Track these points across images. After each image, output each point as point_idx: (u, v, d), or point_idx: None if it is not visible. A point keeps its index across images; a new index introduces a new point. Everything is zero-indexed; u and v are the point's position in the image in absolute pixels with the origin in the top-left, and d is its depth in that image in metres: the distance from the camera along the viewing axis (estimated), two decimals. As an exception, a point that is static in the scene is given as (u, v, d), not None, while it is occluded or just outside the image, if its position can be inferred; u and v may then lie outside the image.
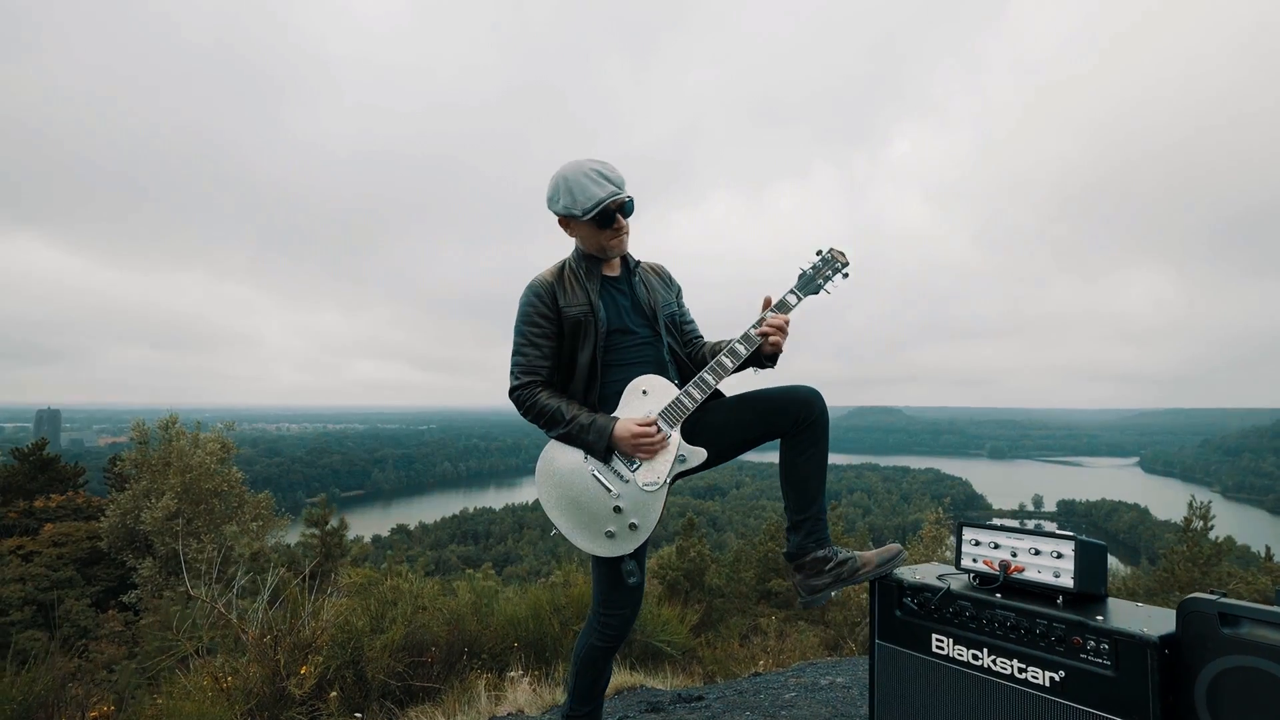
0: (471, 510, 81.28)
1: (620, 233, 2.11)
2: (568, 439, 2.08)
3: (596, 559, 2.10)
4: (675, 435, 2.04)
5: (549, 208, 2.12)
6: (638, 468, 2.04)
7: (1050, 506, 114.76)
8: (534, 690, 4.32)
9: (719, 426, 2.11)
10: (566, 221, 2.12)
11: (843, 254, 2.15)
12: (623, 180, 2.05)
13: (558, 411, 2.06)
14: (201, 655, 4.25)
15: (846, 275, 2.16)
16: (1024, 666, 1.66)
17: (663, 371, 2.17)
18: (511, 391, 2.11)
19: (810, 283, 2.14)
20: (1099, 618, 1.57)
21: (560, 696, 4.13)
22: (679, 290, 2.42)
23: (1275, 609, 1.35)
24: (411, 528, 67.42)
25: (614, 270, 2.24)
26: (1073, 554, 1.71)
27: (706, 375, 2.07)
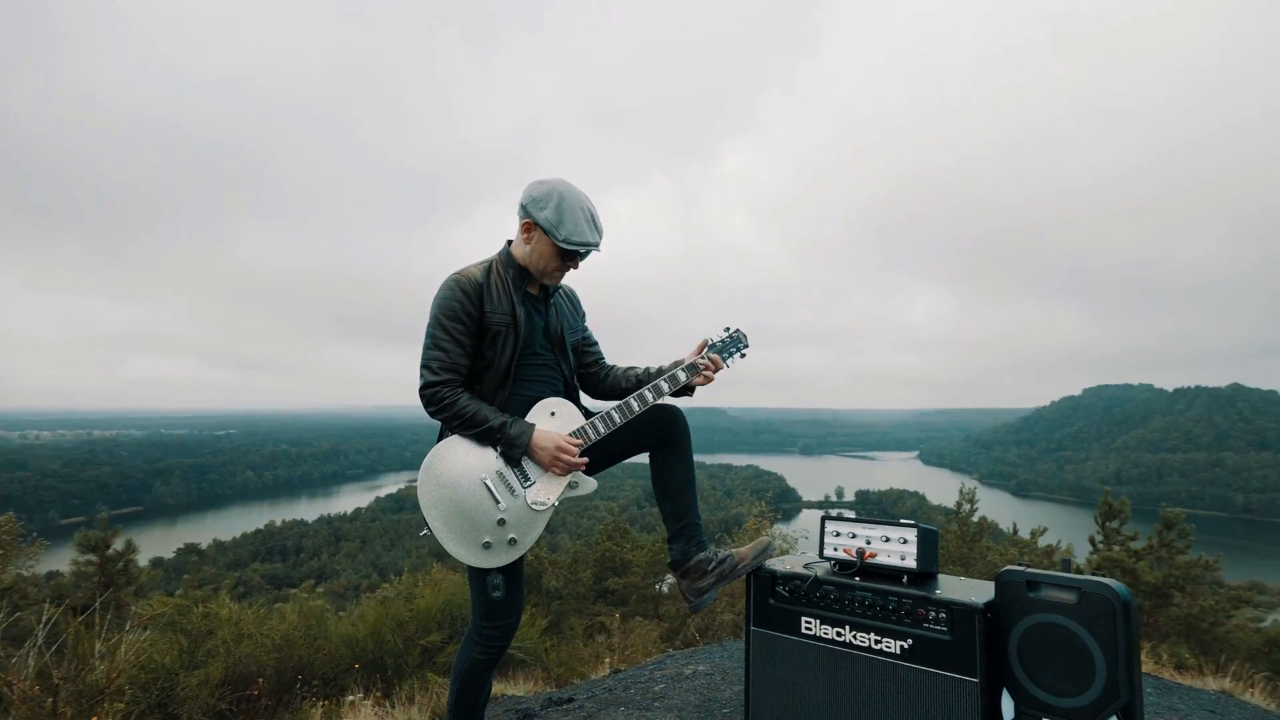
0: (279, 524, 73.31)
1: (567, 271, 2.17)
2: (485, 435, 2.03)
3: (474, 572, 2.08)
4: None
5: (528, 206, 2.07)
6: (531, 485, 2.06)
7: (850, 497, 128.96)
8: (377, 713, 4.08)
9: (594, 445, 2.22)
10: (531, 228, 2.09)
11: (746, 335, 2.38)
12: (603, 234, 2.12)
13: (479, 413, 2.02)
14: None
15: (744, 356, 2.38)
16: (879, 638, 1.92)
17: (567, 396, 2.24)
18: (427, 387, 2.02)
19: (718, 354, 2.32)
20: (938, 591, 1.86)
21: (416, 714, 3.94)
22: (584, 315, 2.46)
23: (1064, 574, 1.71)
24: (204, 546, 59.39)
25: (534, 288, 2.24)
26: (915, 539, 2.01)
27: (614, 414, 2.15)
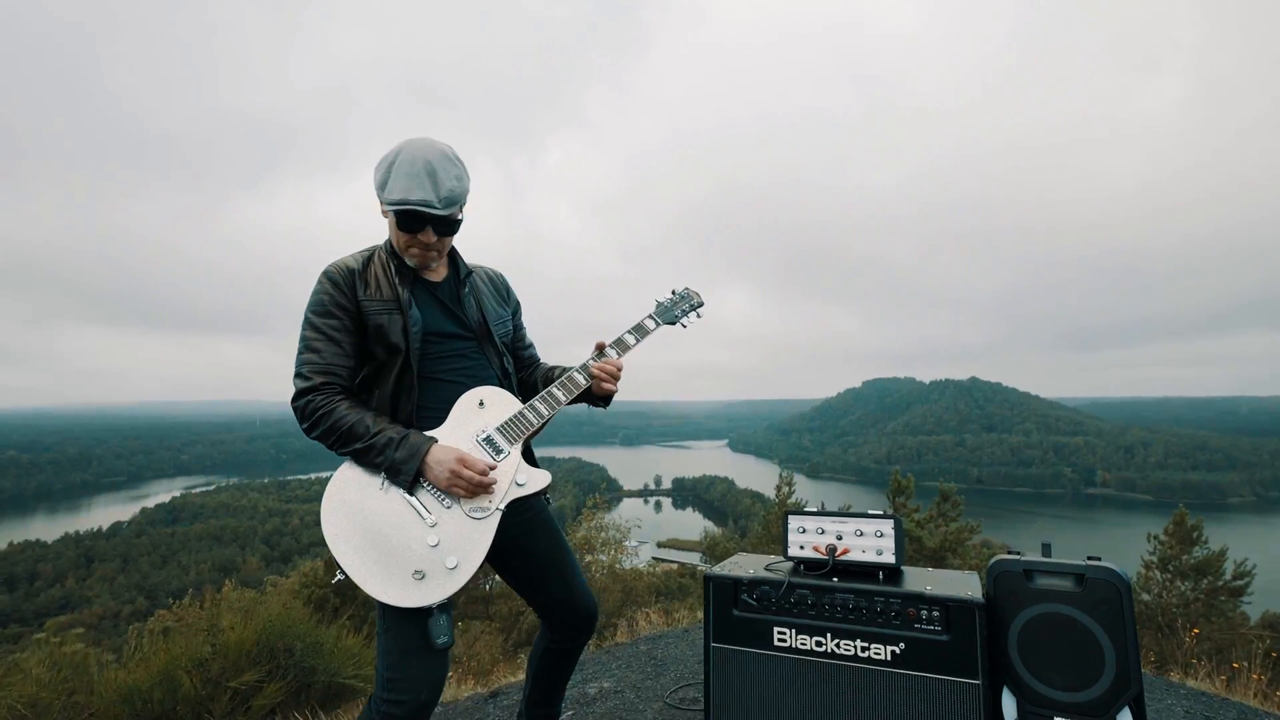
0: (6, 546, 59.69)
1: (424, 246, 1.70)
2: (367, 455, 1.55)
3: (389, 613, 1.53)
4: (515, 454, 1.68)
5: (373, 174, 1.68)
6: None
7: (667, 484, 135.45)
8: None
9: (531, 554, 1.85)
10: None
11: (697, 293, 2.18)
12: (454, 192, 1.64)
13: (360, 423, 1.55)
14: None
15: (700, 315, 2.18)
16: (866, 644, 1.73)
17: (499, 384, 1.80)
18: (299, 396, 1.60)
19: (668, 312, 2.10)
20: (928, 587, 1.72)
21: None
22: (517, 307, 2.06)
23: (1062, 561, 1.64)
24: (-114, 585, 46.70)
25: (438, 275, 1.82)
26: (892, 531, 1.86)
27: (556, 391, 1.80)
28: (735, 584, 1.91)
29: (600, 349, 1.91)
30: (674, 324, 2.10)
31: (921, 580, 1.81)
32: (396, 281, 1.70)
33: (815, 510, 1.99)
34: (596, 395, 1.90)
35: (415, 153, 1.61)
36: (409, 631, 1.51)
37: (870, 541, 1.88)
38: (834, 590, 1.80)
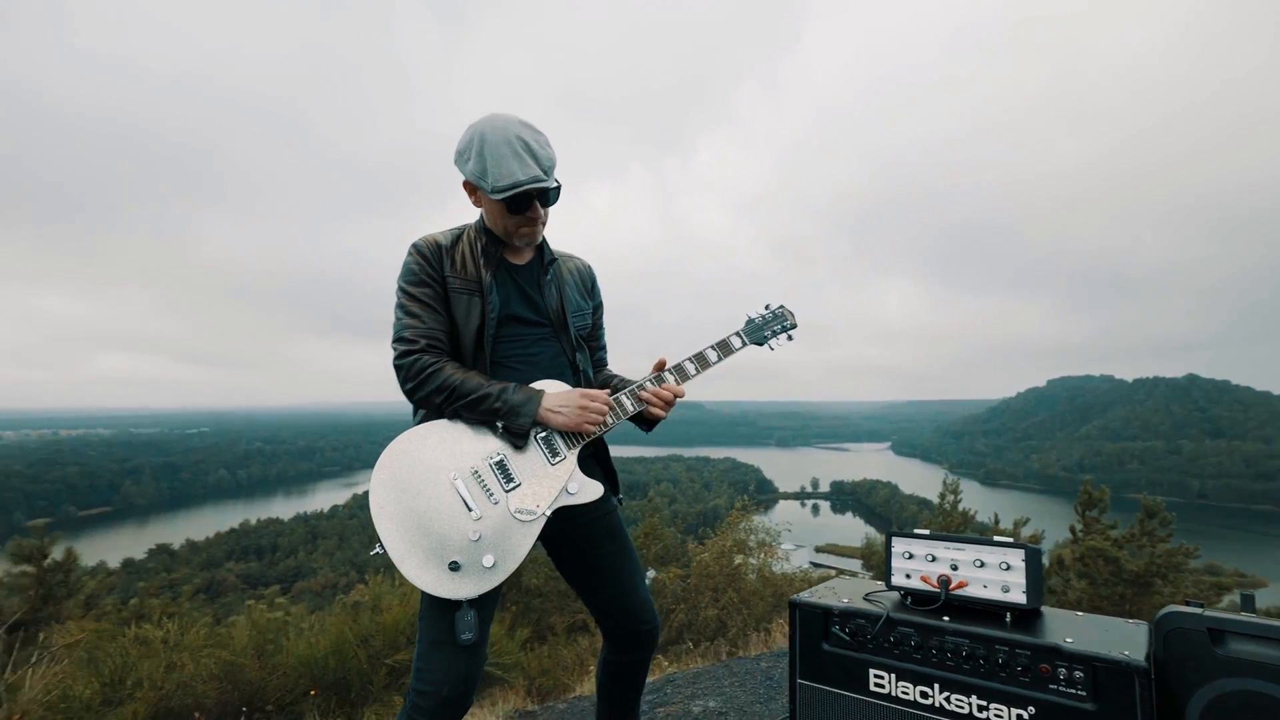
0: (254, 523, 71.86)
1: (534, 222, 1.69)
2: (482, 403, 1.55)
3: (425, 601, 1.53)
4: (571, 459, 1.61)
5: (457, 164, 1.67)
6: (516, 488, 1.54)
7: (825, 487, 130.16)
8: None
9: (592, 558, 1.76)
10: (472, 187, 1.70)
11: (792, 313, 2.03)
12: (552, 160, 1.64)
13: (470, 377, 1.56)
14: None
15: (791, 338, 2.03)
16: (985, 704, 1.41)
17: (569, 379, 1.74)
18: (404, 356, 1.59)
19: (757, 331, 1.96)
20: (1069, 640, 1.36)
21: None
22: (599, 304, 1.98)
23: (1271, 623, 1.21)
24: (176, 547, 57.94)
25: (522, 259, 1.79)
26: (1023, 564, 1.51)
27: (625, 399, 1.70)
28: (825, 613, 1.65)
29: (660, 368, 1.78)
30: (762, 345, 1.93)
31: (1064, 629, 1.44)
32: (481, 263, 1.68)
33: (925, 534, 1.67)
34: (644, 418, 1.77)
35: (500, 132, 1.59)
36: (439, 623, 1.49)
37: (994, 574, 1.53)
38: (945, 631, 1.48)
